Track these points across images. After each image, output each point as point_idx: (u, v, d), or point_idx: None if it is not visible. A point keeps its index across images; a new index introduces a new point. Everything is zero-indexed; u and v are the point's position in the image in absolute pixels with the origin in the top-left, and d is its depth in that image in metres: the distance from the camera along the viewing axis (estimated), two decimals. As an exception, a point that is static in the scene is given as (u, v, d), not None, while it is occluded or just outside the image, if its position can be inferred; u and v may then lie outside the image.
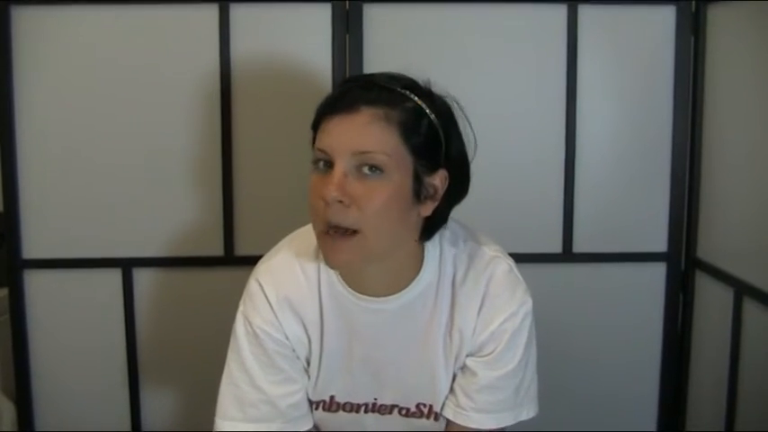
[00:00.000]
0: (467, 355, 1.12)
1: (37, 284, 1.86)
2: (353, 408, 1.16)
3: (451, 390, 1.14)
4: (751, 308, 1.68)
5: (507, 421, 1.13)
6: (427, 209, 1.05)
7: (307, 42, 1.81)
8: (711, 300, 1.86)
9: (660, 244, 1.93)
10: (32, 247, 1.84)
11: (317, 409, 1.17)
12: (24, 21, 1.77)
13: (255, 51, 1.81)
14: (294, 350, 1.13)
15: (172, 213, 1.85)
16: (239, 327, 1.14)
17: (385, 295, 1.09)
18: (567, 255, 1.91)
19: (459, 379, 1.14)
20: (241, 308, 1.14)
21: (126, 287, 1.87)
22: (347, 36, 1.80)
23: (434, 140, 1.03)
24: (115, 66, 1.80)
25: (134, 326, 1.89)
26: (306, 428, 1.16)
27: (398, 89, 1.01)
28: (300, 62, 1.81)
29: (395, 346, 1.12)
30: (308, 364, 1.15)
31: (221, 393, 1.17)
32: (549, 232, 1.91)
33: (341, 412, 1.16)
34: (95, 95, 1.81)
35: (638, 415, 2.00)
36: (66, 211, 1.84)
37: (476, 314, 1.10)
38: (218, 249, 1.87)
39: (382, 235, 1.00)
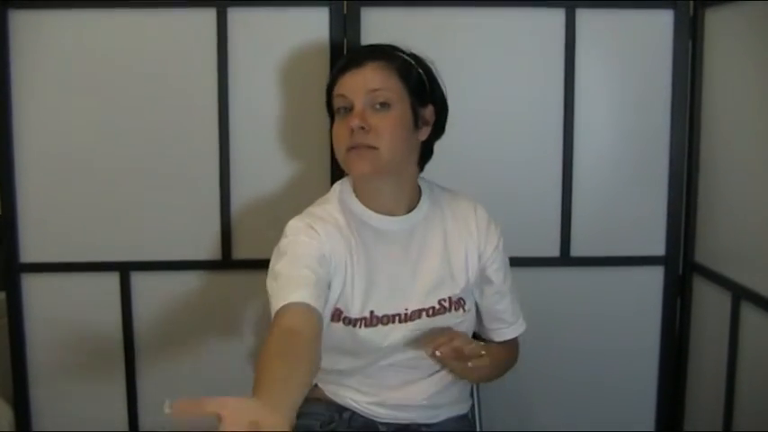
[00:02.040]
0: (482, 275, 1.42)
1: (35, 288, 1.86)
2: (389, 319, 1.35)
3: (496, 320, 1.46)
4: (748, 312, 1.68)
5: (520, 329, 1.49)
6: (423, 134, 1.37)
7: (304, 45, 1.81)
8: (709, 303, 1.86)
9: (658, 248, 1.93)
10: (30, 250, 1.84)
11: (360, 327, 1.34)
12: (22, 24, 1.77)
13: (253, 54, 1.81)
14: (329, 269, 1.29)
15: (170, 217, 1.85)
16: (282, 238, 1.31)
17: (399, 215, 1.37)
18: (565, 259, 1.91)
19: (498, 308, 1.45)
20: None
21: (124, 291, 1.87)
22: (345, 39, 1.80)
23: (422, 83, 1.36)
24: (113, 69, 1.80)
25: (132, 329, 1.89)
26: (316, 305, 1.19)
27: (392, 50, 1.36)
28: (298, 65, 1.81)
29: (415, 259, 1.37)
30: (348, 287, 1.33)
31: (271, 302, 1.20)
32: (547, 236, 1.91)
33: (379, 326, 1.34)
34: (93, 99, 1.80)
35: (636, 417, 2.01)
36: (64, 214, 1.83)
37: (476, 240, 1.40)
38: (215, 253, 1.87)
39: (394, 151, 1.30)
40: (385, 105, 1.29)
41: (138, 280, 1.87)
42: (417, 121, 1.34)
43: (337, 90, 1.33)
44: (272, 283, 1.22)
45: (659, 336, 1.96)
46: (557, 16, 1.83)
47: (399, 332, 1.36)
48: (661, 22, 1.85)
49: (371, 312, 1.34)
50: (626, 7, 1.84)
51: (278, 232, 1.42)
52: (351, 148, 1.29)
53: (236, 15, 1.79)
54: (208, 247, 1.87)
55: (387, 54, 1.34)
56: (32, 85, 1.79)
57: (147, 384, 1.92)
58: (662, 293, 1.95)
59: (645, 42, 1.86)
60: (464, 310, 1.39)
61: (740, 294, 1.70)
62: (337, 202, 1.38)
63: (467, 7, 1.82)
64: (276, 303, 1.17)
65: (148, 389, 1.92)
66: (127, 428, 1.93)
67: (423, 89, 1.36)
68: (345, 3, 1.80)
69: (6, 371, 1.89)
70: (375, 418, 1.43)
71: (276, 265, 1.25)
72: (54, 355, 1.89)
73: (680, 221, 1.93)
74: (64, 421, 1.90)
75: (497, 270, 1.42)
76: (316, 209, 1.38)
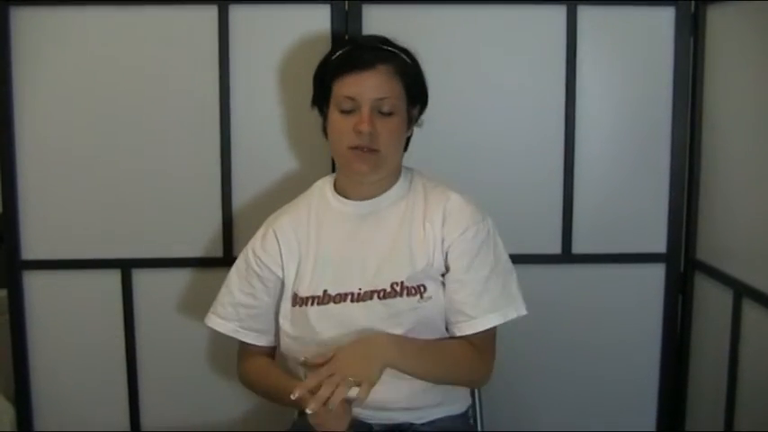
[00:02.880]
0: (447, 273, 1.39)
1: (36, 285, 1.86)
2: (342, 298, 1.39)
3: (457, 312, 1.38)
4: (750, 309, 1.68)
5: (511, 314, 1.39)
6: (410, 130, 1.46)
7: (306, 43, 1.81)
8: (711, 301, 1.86)
9: (659, 245, 1.93)
10: (32, 247, 1.84)
11: (312, 304, 1.40)
12: (23, 21, 1.77)
13: (255, 52, 1.81)
14: (271, 268, 1.46)
15: (171, 214, 1.85)
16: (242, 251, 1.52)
17: (367, 199, 1.43)
18: (567, 256, 1.91)
19: (456, 297, 1.38)
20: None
21: (125, 288, 1.87)
22: (346, 37, 1.80)
23: (417, 83, 1.43)
24: (114, 67, 1.80)
25: (133, 327, 1.89)
26: (259, 343, 1.50)
27: (397, 51, 1.40)
28: (300, 63, 1.81)
29: (373, 241, 1.41)
30: (297, 268, 1.44)
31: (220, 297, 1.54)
32: (549, 233, 1.91)
33: (331, 304, 1.39)
34: (94, 96, 1.80)
35: (637, 415, 2.00)
36: (66, 212, 1.84)
37: (440, 221, 1.39)
38: (217, 250, 1.87)
39: (393, 153, 1.40)
40: (389, 113, 1.36)
41: (140, 277, 1.88)
42: (410, 122, 1.44)
43: (344, 90, 1.36)
44: (224, 287, 1.53)
45: (660, 333, 1.96)
46: (558, 13, 1.83)
47: (351, 312, 1.37)
48: (662, 20, 1.85)
49: (325, 291, 1.40)
50: (627, 4, 1.84)
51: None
52: (353, 148, 1.35)
53: (237, 13, 1.79)
54: (209, 245, 1.87)
55: (393, 56, 1.38)
56: (34, 83, 1.79)
57: (148, 382, 1.92)
58: (663, 291, 1.95)
59: (646, 39, 1.86)
60: (421, 296, 1.37)
61: (742, 291, 1.70)
62: (312, 192, 1.51)
63: (468, 4, 1.82)
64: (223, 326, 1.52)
65: (150, 386, 1.92)
66: (128, 426, 1.93)
67: (417, 89, 1.43)
68: (347, 1, 1.80)
69: (8, 368, 1.89)
70: (364, 420, 1.44)
71: (230, 275, 1.53)
72: (55, 353, 1.89)
73: (681, 218, 1.93)
74: (65, 419, 1.90)
75: (458, 257, 1.38)
76: (292, 203, 1.53)
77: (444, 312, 1.40)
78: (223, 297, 1.52)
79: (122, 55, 1.80)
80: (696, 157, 1.90)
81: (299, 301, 1.42)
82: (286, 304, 1.45)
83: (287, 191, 1.84)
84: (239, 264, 1.51)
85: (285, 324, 1.45)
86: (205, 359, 1.92)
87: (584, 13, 1.83)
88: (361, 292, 1.38)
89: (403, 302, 1.37)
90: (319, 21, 1.80)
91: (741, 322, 1.71)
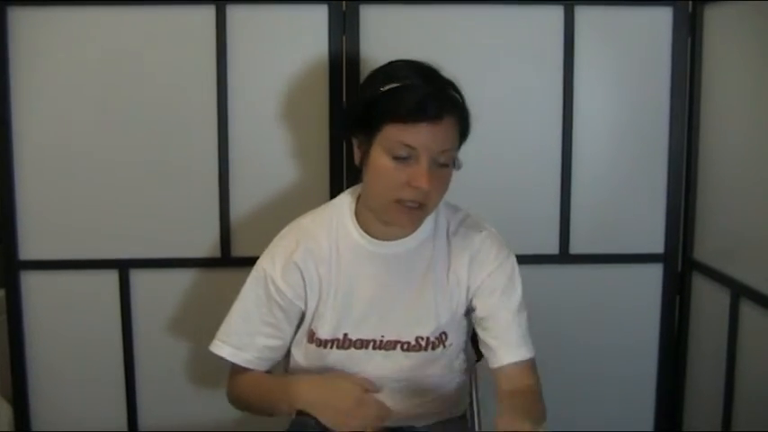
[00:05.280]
0: (473, 309, 1.35)
1: (34, 286, 1.86)
2: (363, 344, 1.33)
3: (487, 347, 1.33)
4: (748, 309, 1.68)
5: (533, 352, 1.34)
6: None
7: (303, 43, 1.81)
8: (708, 301, 1.86)
9: (657, 245, 1.93)
10: (29, 248, 1.84)
11: (332, 347, 1.34)
12: (21, 21, 1.76)
13: (252, 52, 1.81)
14: (294, 302, 1.34)
15: (169, 214, 1.85)
16: (253, 270, 1.37)
17: (393, 239, 1.33)
18: (564, 256, 1.91)
19: (488, 333, 1.33)
20: (262, 256, 1.37)
21: (123, 288, 1.87)
22: (344, 37, 1.80)
23: (468, 130, 1.31)
24: (112, 66, 1.80)
25: (131, 327, 1.89)
26: (263, 369, 1.39)
27: (459, 98, 1.29)
28: (297, 63, 1.81)
29: (399, 286, 1.33)
30: (313, 308, 1.35)
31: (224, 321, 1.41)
32: (546, 233, 1.91)
33: (352, 349, 1.33)
34: (92, 96, 1.80)
35: (635, 415, 2.01)
36: (63, 212, 1.83)
37: (467, 266, 1.33)
38: (215, 251, 1.87)
39: (437, 204, 1.30)
40: (445, 164, 1.25)
41: (137, 277, 1.87)
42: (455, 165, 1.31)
43: (403, 137, 1.20)
44: (228, 316, 1.39)
45: (658, 333, 1.96)
46: (556, 13, 1.83)
47: (373, 359, 1.34)
48: (660, 20, 1.85)
49: (345, 335, 1.33)
50: (625, 4, 1.84)
51: (277, 230, 1.42)
52: (399, 200, 1.24)
53: (235, 13, 1.79)
54: (207, 245, 1.87)
55: (457, 105, 1.27)
56: (32, 83, 1.79)
57: (145, 382, 1.92)
58: (661, 291, 1.95)
59: (644, 39, 1.86)
60: (444, 346, 1.35)
61: (739, 291, 1.70)
62: (331, 219, 1.36)
63: (465, 5, 1.82)
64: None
65: (147, 386, 1.92)
66: (126, 426, 1.93)
67: (466, 137, 1.32)
68: (344, 1, 1.80)
69: (5, 368, 1.89)
70: None
71: (236, 306, 1.37)
72: (53, 353, 1.89)
73: (679, 219, 1.93)
74: (63, 419, 1.90)
75: (488, 295, 1.33)
76: (305, 227, 1.37)
77: (461, 351, 1.40)
78: (237, 326, 1.37)
79: (120, 55, 1.80)
80: (694, 157, 1.90)
81: (316, 341, 1.35)
82: (302, 336, 1.38)
83: (285, 191, 1.85)
84: (257, 291, 1.35)
85: (297, 354, 1.39)
86: (202, 359, 1.91)
87: (582, 14, 1.83)
88: (384, 340, 1.33)
89: (427, 355, 1.34)
90: (317, 21, 1.80)
91: (738, 322, 1.71)
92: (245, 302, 1.36)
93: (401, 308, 1.33)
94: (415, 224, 1.30)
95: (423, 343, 1.33)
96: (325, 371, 1.35)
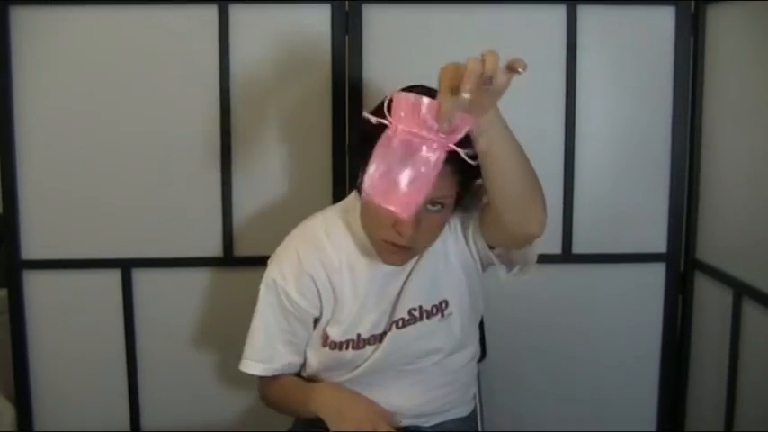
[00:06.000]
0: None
1: (36, 285, 1.86)
2: (377, 338, 1.35)
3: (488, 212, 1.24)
4: (750, 308, 1.68)
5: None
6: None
7: (306, 43, 1.81)
8: (711, 300, 1.86)
9: (659, 245, 1.93)
10: (32, 247, 1.84)
11: (346, 348, 1.35)
12: (23, 21, 1.77)
13: (255, 52, 1.81)
14: (309, 311, 1.35)
15: (171, 214, 1.85)
16: (263, 282, 1.37)
17: None
18: (567, 256, 1.91)
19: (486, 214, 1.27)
20: (270, 265, 1.37)
21: (125, 288, 1.87)
22: (347, 36, 1.80)
23: (473, 174, 1.17)
24: (114, 66, 1.80)
25: (133, 326, 1.89)
26: (292, 372, 1.42)
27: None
28: (299, 62, 1.81)
29: (404, 281, 1.34)
30: (326, 312, 1.36)
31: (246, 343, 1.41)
32: (549, 233, 1.86)
33: (367, 347, 1.35)
34: (94, 96, 1.80)
35: (637, 416, 2.00)
36: (66, 211, 1.83)
37: (455, 237, 1.34)
38: (217, 250, 1.87)
39: (427, 245, 1.30)
40: (438, 205, 1.21)
41: (140, 277, 1.87)
42: (458, 201, 1.26)
43: None
44: (251, 332, 1.39)
45: (661, 333, 1.96)
46: (558, 13, 1.83)
47: (379, 349, 1.35)
48: (662, 19, 1.85)
49: (359, 335, 1.35)
50: (627, 4, 1.84)
51: (279, 229, 1.42)
52: (384, 241, 1.25)
53: (237, 12, 1.79)
54: (209, 245, 1.87)
55: (457, 156, 1.10)
56: (34, 82, 1.79)
57: (148, 381, 1.92)
58: (663, 290, 1.95)
59: (646, 39, 1.86)
60: (442, 315, 1.35)
61: (742, 291, 1.70)
62: (336, 230, 1.36)
63: (468, 4, 1.82)
64: (256, 368, 1.39)
65: (150, 386, 1.92)
66: (128, 426, 1.93)
67: (472, 180, 1.23)
68: (347, 1, 1.80)
69: (8, 368, 1.89)
70: None
71: (256, 320, 1.38)
72: (55, 353, 1.89)
73: (681, 218, 1.93)
74: (65, 419, 1.90)
75: (469, 218, 1.32)
76: (315, 235, 1.36)
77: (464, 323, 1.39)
78: (260, 341, 1.38)
79: (122, 55, 1.80)
80: (696, 156, 1.90)
81: (330, 344, 1.37)
82: (316, 339, 1.40)
83: (288, 190, 1.85)
84: (271, 302, 1.37)
85: (311, 356, 1.41)
86: (205, 359, 1.92)
87: (585, 13, 1.83)
88: (391, 329, 1.34)
89: (423, 326, 1.35)
90: (319, 20, 1.80)
91: (741, 322, 1.71)
92: (264, 317, 1.38)
93: (404, 298, 1.35)
94: (404, 261, 1.30)
95: (416, 314, 1.34)
96: (338, 367, 1.37)
